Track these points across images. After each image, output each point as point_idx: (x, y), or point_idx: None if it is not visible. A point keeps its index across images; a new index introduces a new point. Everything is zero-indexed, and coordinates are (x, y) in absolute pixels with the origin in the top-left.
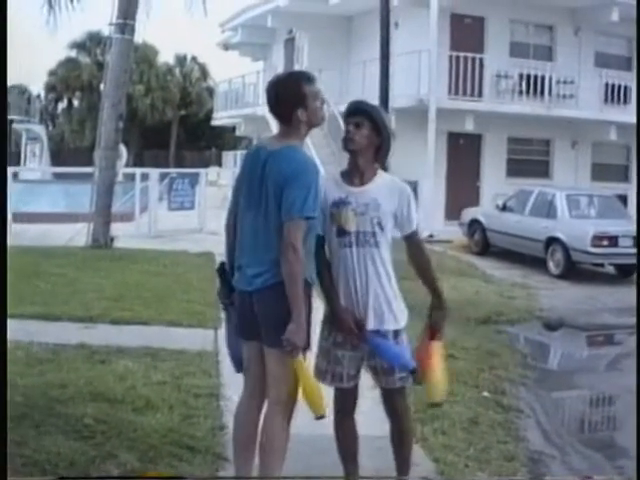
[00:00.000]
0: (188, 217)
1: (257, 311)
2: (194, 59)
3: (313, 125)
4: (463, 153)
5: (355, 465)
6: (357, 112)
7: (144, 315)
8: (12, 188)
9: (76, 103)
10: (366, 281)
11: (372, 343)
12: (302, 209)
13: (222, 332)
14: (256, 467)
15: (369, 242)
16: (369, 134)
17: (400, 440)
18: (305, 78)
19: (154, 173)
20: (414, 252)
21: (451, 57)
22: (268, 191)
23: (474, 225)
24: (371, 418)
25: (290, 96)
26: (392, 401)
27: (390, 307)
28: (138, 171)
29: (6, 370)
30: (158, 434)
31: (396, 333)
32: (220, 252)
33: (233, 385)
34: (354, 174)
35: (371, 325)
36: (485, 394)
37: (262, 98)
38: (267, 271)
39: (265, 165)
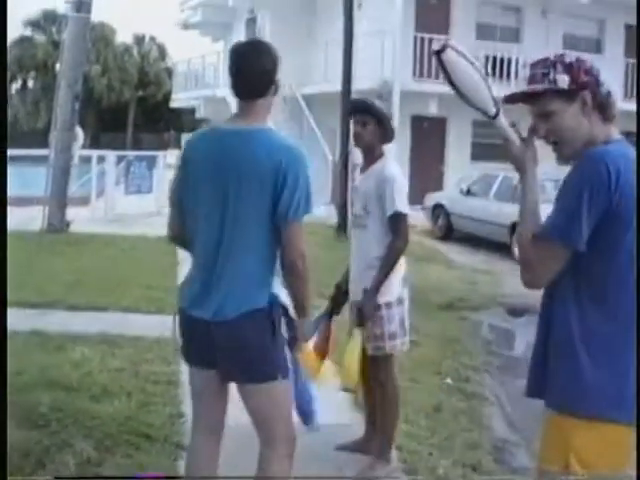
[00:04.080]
0: (145, 201)
1: (226, 344)
2: (152, 39)
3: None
4: (427, 137)
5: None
6: (361, 111)
7: (101, 301)
8: None
9: (31, 83)
10: (357, 259)
11: None
12: (308, 206)
13: None
14: None
15: (360, 224)
16: (374, 129)
17: (382, 410)
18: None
19: (111, 156)
20: (391, 235)
21: (416, 38)
22: (242, 186)
23: (438, 209)
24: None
25: (273, 63)
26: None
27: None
28: (94, 154)
29: (6, 370)
30: (115, 422)
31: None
32: None
33: None
34: (364, 163)
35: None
36: (448, 381)
37: (222, 79)
38: (242, 298)
39: (233, 152)
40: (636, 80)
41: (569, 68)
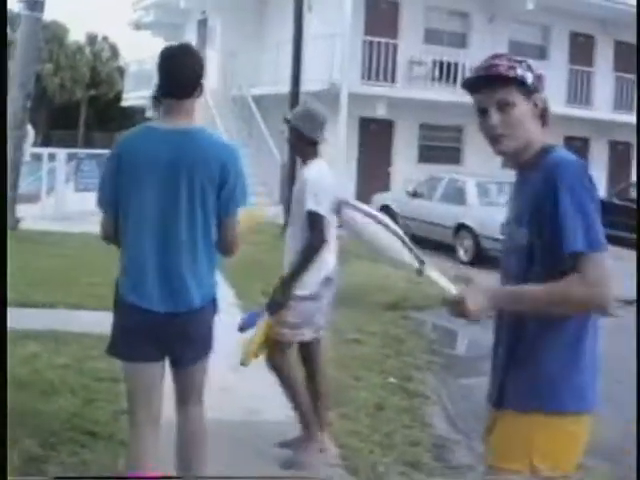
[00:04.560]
0: (95, 198)
1: (192, 330)
2: (105, 38)
3: None
4: (375, 139)
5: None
6: (284, 123)
7: (49, 298)
8: None
9: None
10: (287, 255)
11: None
12: (245, 199)
13: None
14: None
15: (291, 222)
16: (291, 137)
17: (286, 393)
18: None
19: (61, 154)
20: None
21: (365, 42)
22: (195, 184)
23: (384, 211)
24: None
25: (200, 66)
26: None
27: None
28: (45, 151)
29: (6, 370)
30: (60, 419)
31: None
32: None
33: None
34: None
35: None
36: (391, 380)
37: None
38: (204, 285)
39: (181, 151)
40: (636, 91)
41: (530, 69)
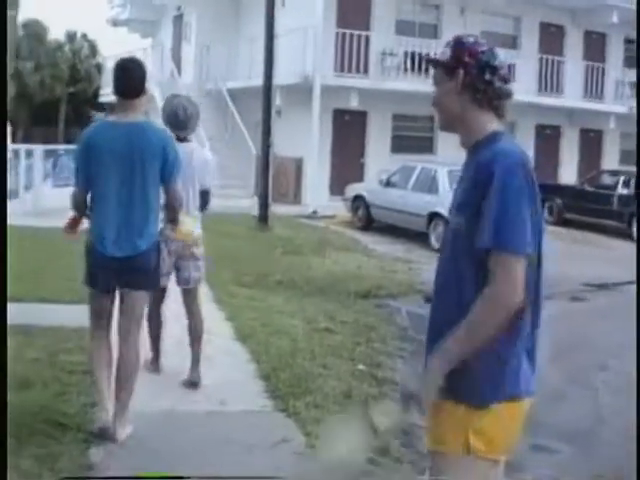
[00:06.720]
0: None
1: (133, 268)
2: (84, 36)
3: None
4: (348, 130)
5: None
6: None
7: (19, 291)
8: None
9: None
10: None
11: None
12: (180, 171)
13: None
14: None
15: None
16: None
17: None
18: None
19: (38, 150)
20: None
21: (337, 34)
22: (144, 163)
23: (358, 201)
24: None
25: (143, 73)
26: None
27: None
28: (22, 147)
29: (6, 370)
30: (30, 412)
31: None
32: None
33: None
34: None
35: None
36: (360, 367)
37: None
38: (149, 234)
39: (132, 139)
40: (635, 84)
41: (457, 45)
